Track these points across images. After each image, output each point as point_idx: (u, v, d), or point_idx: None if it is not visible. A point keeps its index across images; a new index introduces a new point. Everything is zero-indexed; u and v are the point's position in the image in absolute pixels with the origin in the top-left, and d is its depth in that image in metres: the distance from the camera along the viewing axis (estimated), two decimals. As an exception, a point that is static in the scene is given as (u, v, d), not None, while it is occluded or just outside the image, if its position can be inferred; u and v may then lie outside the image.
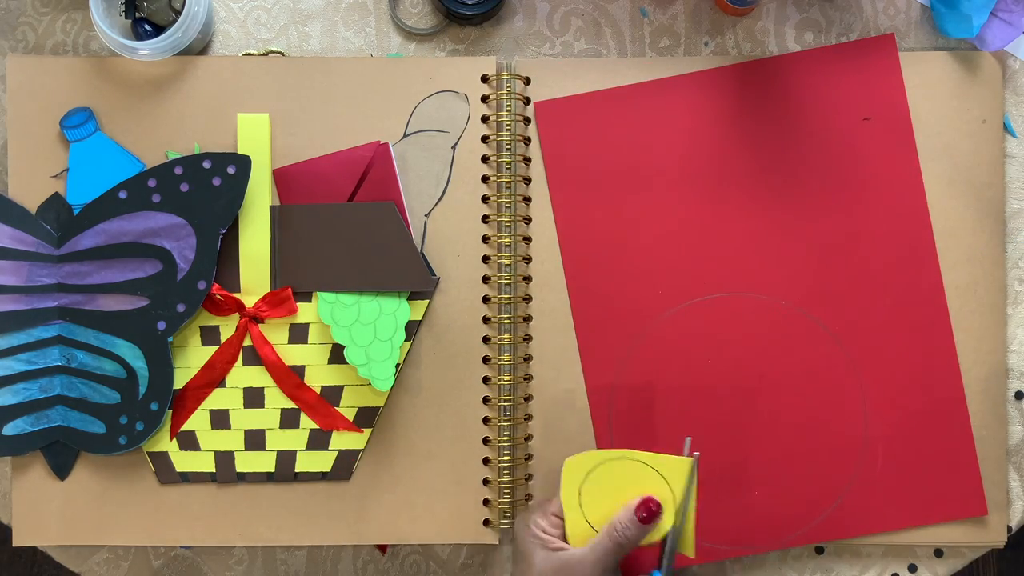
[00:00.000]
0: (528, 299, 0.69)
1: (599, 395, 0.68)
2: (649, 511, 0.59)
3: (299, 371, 0.68)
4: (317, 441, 0.68)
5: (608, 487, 0.60)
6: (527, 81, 0.69)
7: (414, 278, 0.67)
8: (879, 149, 0.69)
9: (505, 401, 0.68)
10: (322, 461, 0.68)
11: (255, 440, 0.68)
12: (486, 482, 0.68)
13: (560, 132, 0.69)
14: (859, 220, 0.69)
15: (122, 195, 0.66)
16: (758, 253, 0.69)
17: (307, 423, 0.68)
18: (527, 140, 0.69)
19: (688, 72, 0.69)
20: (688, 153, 0.69)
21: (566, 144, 0.69)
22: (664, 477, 0.59)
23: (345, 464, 0.68)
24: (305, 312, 0.68)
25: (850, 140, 0.69)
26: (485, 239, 0.68)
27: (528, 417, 0.69)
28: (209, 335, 0.68)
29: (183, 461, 0.68)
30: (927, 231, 0.69)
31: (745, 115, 0.69)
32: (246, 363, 0.68)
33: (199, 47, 0.69)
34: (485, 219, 0.68)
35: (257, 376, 0.68)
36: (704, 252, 0.69)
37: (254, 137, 0.68)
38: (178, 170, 0.66)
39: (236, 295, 0.67)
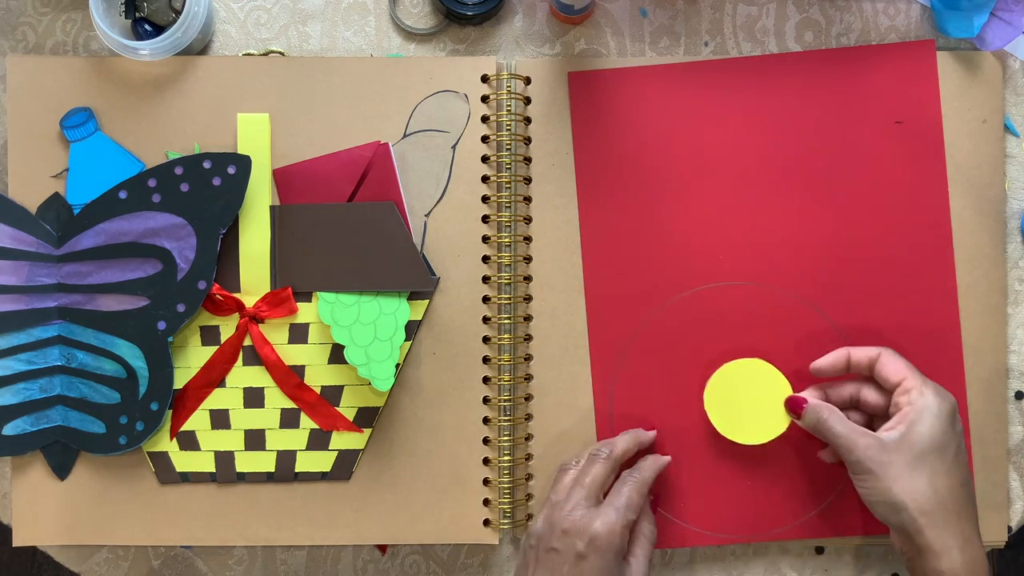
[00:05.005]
0: (528, 299, 0.69)
1: (603, 383, 0.68)
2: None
3: (299, 371, 0.68)
4: (317, 441, 0.68)
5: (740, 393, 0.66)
6: (527, 81, 0.69)
7: (414, 278, 0.67)
8: (907, 153, 0.68)
9: (505, 401, 0.68)
10: (322, 461, 0.68)
11: (255, 440, 0.68)
12: (486, 482, 0.68)
13: (591, 104, 0.68)
14: (881, 222, 0.68)
15: (122, 195, 0.66)
16: (775, 244, 0.68)
17: (307, 423, 0.68)
18: (527, 140, 0.69)
19: (726, 58, 0.69)
20: (716, 140, 0.68)
21: (596, 117, 0.68)
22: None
23: (345, 464, 0.68)
24: (305, 312, 0.68)
25: (879, 140, 0.68)
26: (485, 239, 0.68)
27: (528, 417, 0.69)
28: (209, 335, 0.68)
29: (183, 461, 0.68)
30: (947, 241, 0.68)
31: (780, 106, 0.69)
32: (246, 363, 0.68)
33: (199, 47, 0.69)
34: (485, 219, 0.68)
35: (257, 376, 0.68)
36: (720, 240, 0.68)
37: (254, 137, 0.68)
38: (178, 170, 0.66)
39: (236, 295, 0.67)
